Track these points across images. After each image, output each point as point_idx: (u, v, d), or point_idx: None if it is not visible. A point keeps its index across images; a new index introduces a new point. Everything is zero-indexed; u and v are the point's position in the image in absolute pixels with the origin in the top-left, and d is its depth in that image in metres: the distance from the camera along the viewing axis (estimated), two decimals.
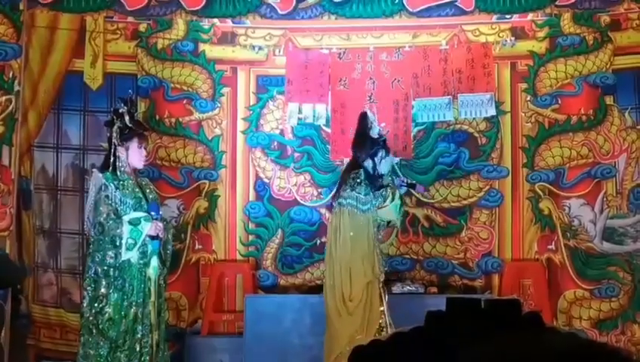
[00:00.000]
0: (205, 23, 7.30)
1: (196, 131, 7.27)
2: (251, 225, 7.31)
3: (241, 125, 7.31)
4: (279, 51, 7.30)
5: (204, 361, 6.84)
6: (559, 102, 7.14)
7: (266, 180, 7.29)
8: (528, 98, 7.19)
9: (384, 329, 5.84)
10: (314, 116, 7.16)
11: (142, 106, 7.09)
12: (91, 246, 5.60)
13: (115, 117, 5.73)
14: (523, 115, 7.21)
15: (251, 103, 7.33)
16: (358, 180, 6.02)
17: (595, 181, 7.06)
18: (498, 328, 2.76)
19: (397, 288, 6.77)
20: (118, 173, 5.62)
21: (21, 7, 6.95)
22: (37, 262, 7.12)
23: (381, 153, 6.08)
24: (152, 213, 5.61)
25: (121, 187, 5.60)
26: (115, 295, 5.50)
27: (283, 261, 7.28)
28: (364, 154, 6.08)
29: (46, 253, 7.14)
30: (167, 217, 6.37)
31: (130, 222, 5.50)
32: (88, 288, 5.54)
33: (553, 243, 7.11)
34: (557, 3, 7.13)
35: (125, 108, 5.73)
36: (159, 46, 7.23)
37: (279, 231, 7.28)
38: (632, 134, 7.03)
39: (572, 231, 7.08)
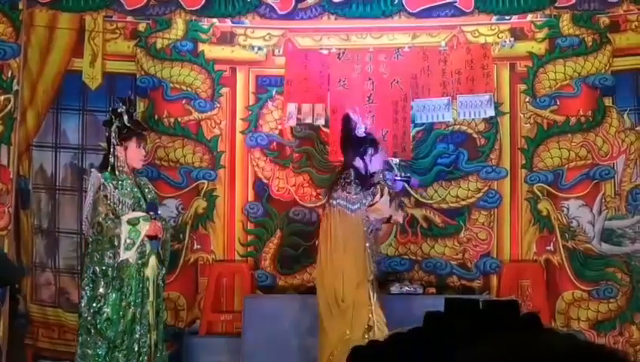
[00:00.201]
0: (204, 23, 7.29)
1: (195, 131, 7.26)
2: (250, 226, 7.30)
3: (240, 125, 7.30)
4: (278, 51, 7.29)
5: (202, 361, 6.84)
6: (558, 103, 7.13)
7: (265, 180, 7.28)
8: (527, 99, 7.18)
9: (372, 329, 5.85)
10: (313, 116, 7.16)
11: (141, 106, 7.09)
12: (90, 246, 5.60)
13: (113, 116, 5.74)
14: (522, 116, 7.20)
15: (250, 103, 7.32)
16: (348, 180, 6.02)
17: (594, 182, 7.06)
18: (496, 329, 2.76)
19: (395, 288, 6.76)
20: (117, 172, 5.62)
21: (20, 6, 6.95)
22: (35, 262, 7.11)
23: (370, 151, 6.09)
24: (151, 213, 5.61)
25: (120, 187, 5.60)
26: (114, 295, 5.50)
27: (282, 261, 7.26)
28: (353, 155, 6.09)
29: (44, 253, 7.13)
30: (166, 217, 6.36)
31: (128, 222, 5.50)
32: (86, 288, 5.55)
33: (552, 244, 7.10)
34: (556, 4, 7.12)
35: (124, 107, 5.73)
36: (158, 46, 7.22)
37: (278, 231, 7.27)
38: (630, 136, 7.03)
39: (570, 232, 7.07)
